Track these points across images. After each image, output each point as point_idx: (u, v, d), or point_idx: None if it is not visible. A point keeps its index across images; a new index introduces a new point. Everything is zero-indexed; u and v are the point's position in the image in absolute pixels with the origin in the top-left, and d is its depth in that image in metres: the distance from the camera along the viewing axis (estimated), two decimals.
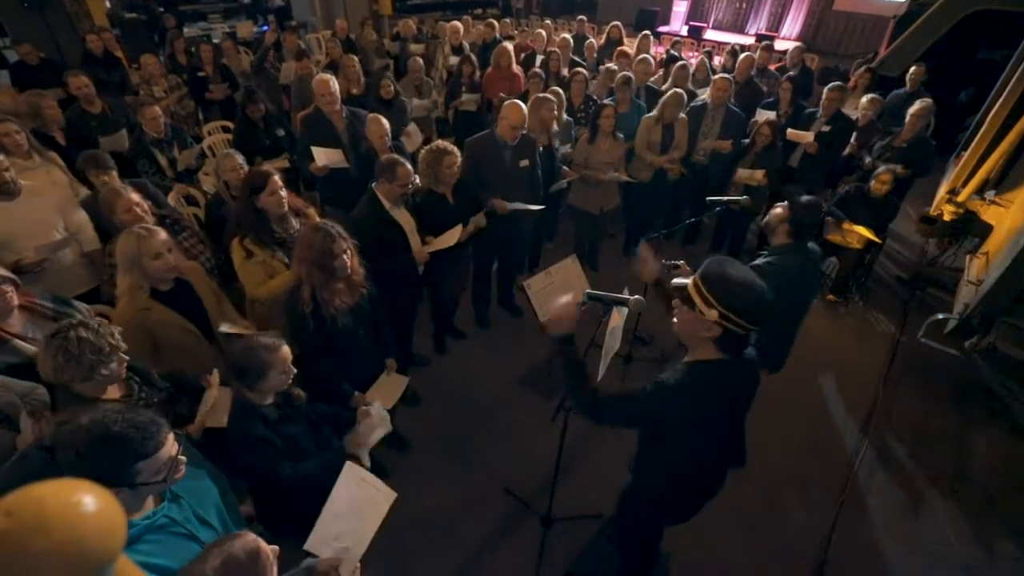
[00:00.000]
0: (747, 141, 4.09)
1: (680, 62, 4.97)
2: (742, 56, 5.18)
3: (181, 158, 3.67)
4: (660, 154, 4.13)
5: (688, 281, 1.46)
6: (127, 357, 1.70)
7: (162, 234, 2.08)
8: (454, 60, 5.47)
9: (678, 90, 4.04)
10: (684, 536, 2.48)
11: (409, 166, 2.65)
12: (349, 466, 1.57)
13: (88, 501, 0.63)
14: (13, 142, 2.84)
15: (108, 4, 7.64)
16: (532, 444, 2.97)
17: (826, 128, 4.24)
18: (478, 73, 5.18)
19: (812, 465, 3.00)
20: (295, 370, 1.81)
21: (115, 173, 2.85)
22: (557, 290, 2.71)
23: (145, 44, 6.82)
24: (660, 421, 1.53)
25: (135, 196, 2.43)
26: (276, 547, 1.20)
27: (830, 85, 4.25)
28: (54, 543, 0.58)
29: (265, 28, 7.15)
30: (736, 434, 1.80)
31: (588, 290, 1.96)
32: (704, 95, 4.49)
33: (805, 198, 2.42)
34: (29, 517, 0.59)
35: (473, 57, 5.33)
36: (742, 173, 3.91)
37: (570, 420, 2.18)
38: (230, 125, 4.76)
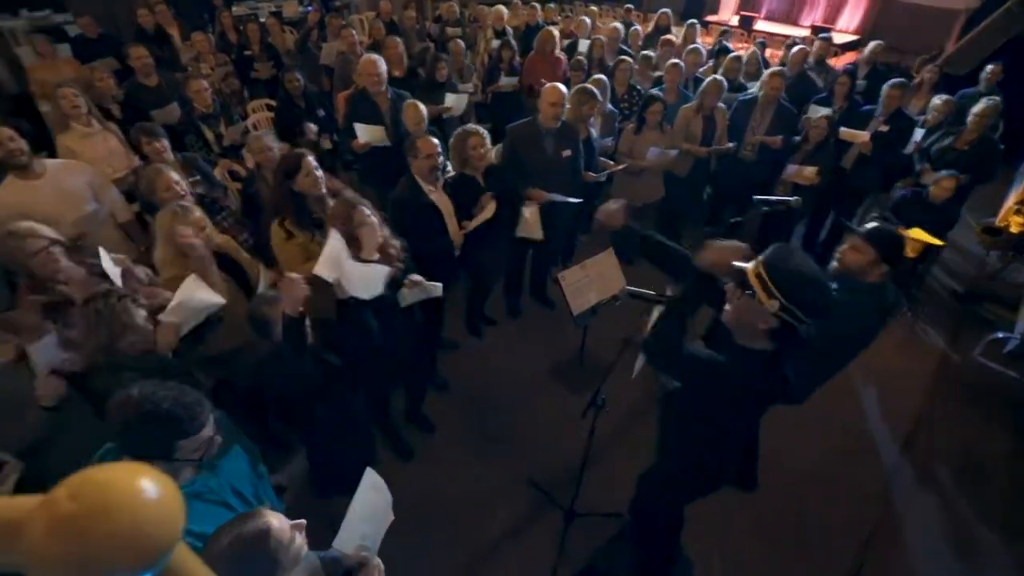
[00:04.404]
0: (798, 138, 3.91)
1: (732, 53, 4.78)
2: (795, 49, 4.94)
3: (227, 133, 3.74)
4: (700, 146, 3.99)
5: (749, 266, 1.38)
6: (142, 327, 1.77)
7: (196, 213, 2.16)
8: (496, 44, 5.41)
9: (718, 77, 3.89)
10: (706, 545, 2.44)
11: (432, 139, 2.64)
12: (369, 471, 1.59)
13: (150, 488, 0.63)
14: (71, 104, 3.04)
15: None
16: (558, 437, 2.94)
17: (884, 128, 4.01)
18: (518, 58, 5.10)
19: (846, 480, 2.88)
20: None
21: (166, 143, 2.91)
22: (592, 284, 2.66)
23: (197, 21, 6.96)
24: (708, 390, 1.52)
25: (174, 175, 2.48)
26: (302, 521, 1.22)
27: (891, 82, 4.01)
28: (118, 528, 0.58)
29: (310, 8, 7.19)
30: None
31: (628, 287, 1.90)
32: (755, 88, 4.31)
33: (873, 226, 2.06)
34: (94, 502, 0.59)
35: (514, 42, 5.25)
36: (791, 170, 3.74)
37: (599, 418, 2.15)
38: (274, 103, 4.82)
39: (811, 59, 5.09)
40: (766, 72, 4.07)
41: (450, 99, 4.04)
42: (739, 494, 2.66)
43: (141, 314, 1.77)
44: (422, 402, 3.02)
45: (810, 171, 3.64)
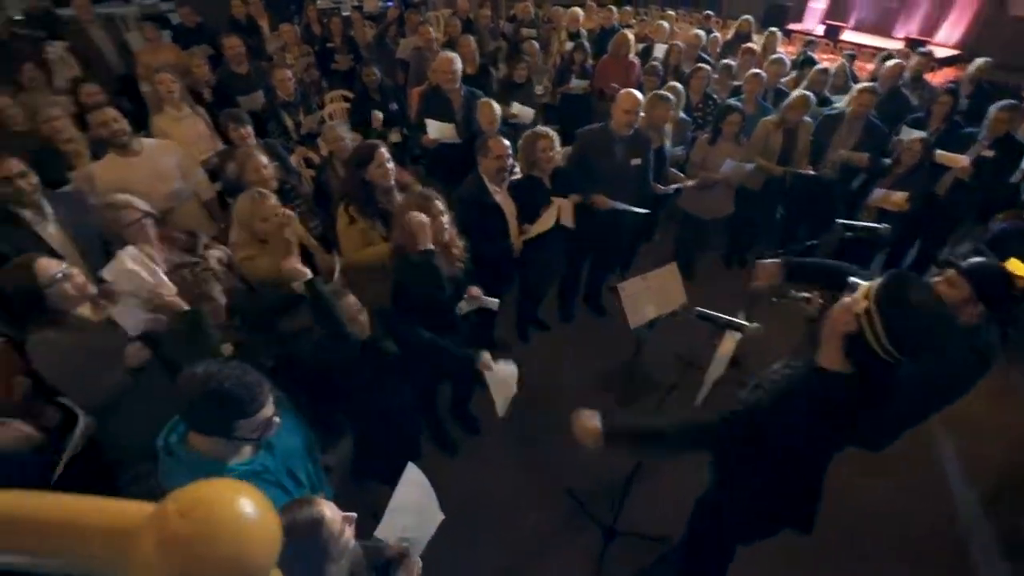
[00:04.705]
0: (888, 161, 3.64)
1: (819, 65, 4.52)
2: (891, 63, 4.60)
3: (305, 122, 3.91)
4: (777, 162, 3.79)
5: (866, 283, 1.35)
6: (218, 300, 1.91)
7: (273, 199, 2.25)
8: (570, 46, 5.37)
9: (806, 92, 3.68)
10: None
11: (503, 140, 2.65)
12: (411, 466, 1.60)
13: (253, 514, 0.66)
14: (167, 89, 3.28)
15: None
16: (603, 451, 2.87)
17: (988, 153, 3.66)
18: (590, 61, 5.05)
19: (916, 530, 2.65)
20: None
21: (251, 129, 3.07)
22: (651, 297, 2.58)
23: (285, 13, 7.32)
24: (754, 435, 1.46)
25: (264, 159, 2.62)
26: (352, 514, 1.23)
27: (1000, 104, 3.64)
28: (223, 553, 0.61)
29: (390, 4, 7.43)
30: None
31: (697, 308, 1.83)
32: (841, 103, 4.06)
33: (976, 260, 1.91)
34: (201, 523, 0.61)
35: (587, 44, 5.19)
36: (879, 194, 3.47)
37: None
38: (350, 95, 5.00)
39: (907, 74, 4.72)
40: (855, 87, 3.81)
41: (516, 107, 4.07)
42: (792, 535, 2.50)
43: (218, 288, 1.87)
44: (469, 401, 3.03)
45: (899, 196, 3.36)
